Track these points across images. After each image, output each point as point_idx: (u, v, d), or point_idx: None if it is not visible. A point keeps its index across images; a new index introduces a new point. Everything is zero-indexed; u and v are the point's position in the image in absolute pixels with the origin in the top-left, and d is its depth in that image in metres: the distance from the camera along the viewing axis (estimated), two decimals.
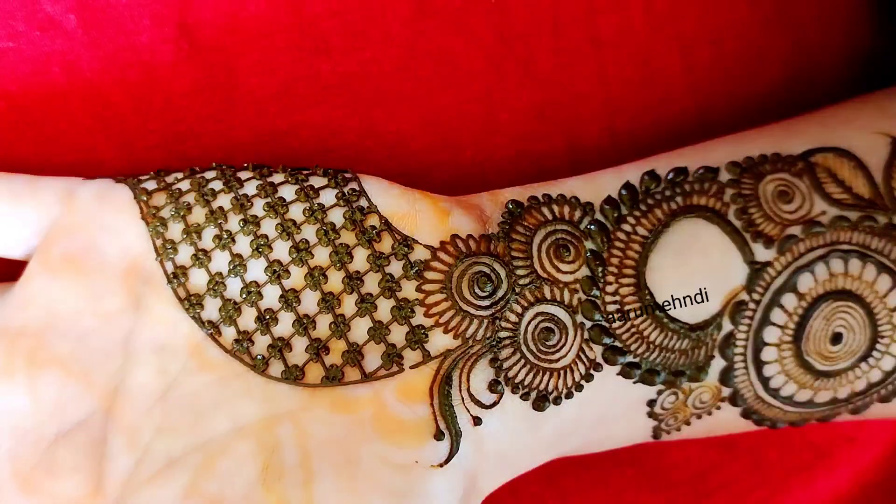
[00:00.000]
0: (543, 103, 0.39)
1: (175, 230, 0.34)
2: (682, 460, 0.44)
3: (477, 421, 0.33)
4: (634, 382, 0.34)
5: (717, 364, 0.34)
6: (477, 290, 0.33)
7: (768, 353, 0.34)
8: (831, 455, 0.45)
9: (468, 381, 0.33)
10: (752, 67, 0.41)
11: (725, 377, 0.35)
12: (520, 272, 0.33)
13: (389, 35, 0.37)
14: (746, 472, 0.45)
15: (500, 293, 0.33)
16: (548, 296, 0.33)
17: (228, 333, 0.33)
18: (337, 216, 0.34)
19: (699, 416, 0.36)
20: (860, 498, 0.46)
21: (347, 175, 0.35)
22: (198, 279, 0.34)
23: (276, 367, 0.33)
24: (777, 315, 0.34)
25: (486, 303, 0.33)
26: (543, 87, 0.39)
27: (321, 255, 0.33)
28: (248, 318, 0.33)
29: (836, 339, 0.35)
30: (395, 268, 0.33)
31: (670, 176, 0.35)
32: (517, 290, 0.33)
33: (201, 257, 0.34)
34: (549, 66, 0.39)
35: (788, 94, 0.41)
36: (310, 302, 0.33)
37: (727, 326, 0.34)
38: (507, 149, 0.39)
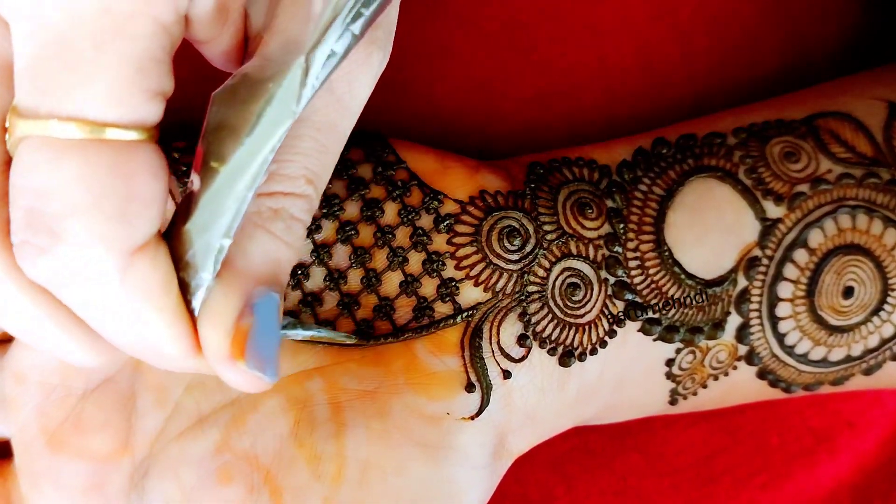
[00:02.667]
0: (544, 92, 0.40)
1: None
2: (686, 446, 0.44)
3: (507, 374, 0.33)
4: (654, 340, 0.35)
5: (734, 321, 0.35)
6: (506, 244, 0.34)
7: (783, 309, 0.35)
8: (832, 440, 0.46)
9: (498, 334, 0.34)
10: (748, 56, 0.42)
11: (741, 334, 0.35)
12: (547, 227, 0.34)
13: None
14: (749, 457, 0.45)
15: (528, 247, 0.34)
16: (574, 251, 0.34)
17: None
18: (366, 171, 0.35)
19: (716, 378, 0.36)
20: (861, 482, 0.47)
21: (374, 134, 0.36)
22: None
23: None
24: (790, 270, 0.35)
25: (515, 257, 0.34)
26: (544, 76, 0.40)
27: (352, 210, 0.34)
28: None
29: (848, 293, 0.36)
30: (426, 221, 0.34)
31: (680, 141, 0.36)
32: (545, 244, 0.34)
33: None
34: (550, 55, 0.40)
35: (785, 82, 0.42)
36: (341, 257, 0.34)
37: (742, 282, 0.35)
38: (508, 136, 0.40)
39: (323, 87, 0.26)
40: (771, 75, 0.43)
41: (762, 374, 0.37)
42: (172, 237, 0.26)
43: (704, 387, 0.37)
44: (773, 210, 0.35)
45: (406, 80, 0.38)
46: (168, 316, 0.26)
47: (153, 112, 0.25)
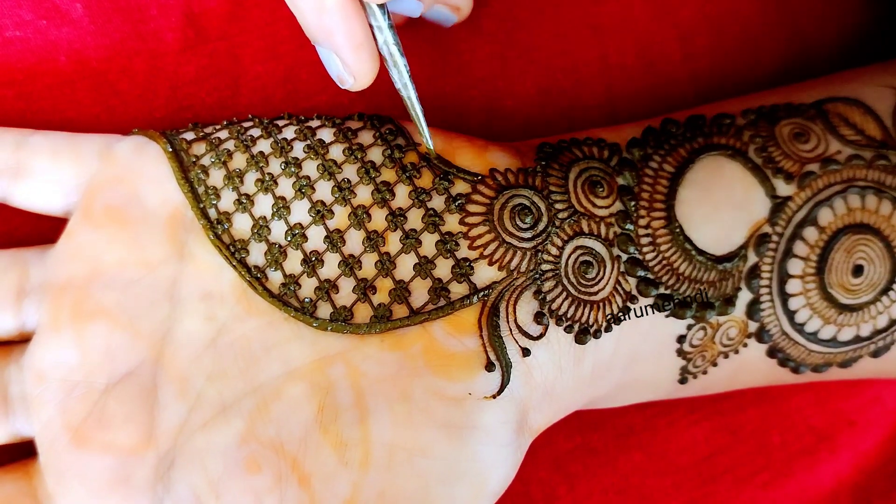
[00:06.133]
0: (546, 90, 0.40)
1: (216, 177, 0.34)
2: (688, 444, 0.44)
3: (526, 352, 0.33)
4: (667, 316, 0.35)
5: (744, 297, 0.35)
6: (518, 223, 0.34)
7: (793, 286, 0.35)
8: (833, 438, 0.46)
9: (515, 312, 0.33)
10: (750, 55, 0.42)
11: (752, 310, 0.35)
12: (558, 206, 0.34)
13: (393, 23, 0.39)
14: (750, 457, 0.45)
15: (540, 225, 0.34)
16: (585, 229, 0.34)
17: (275, 278, 0.33)
18: (376, 155, 0.34)
19: (726, 356, 0.36)
20: (861, 480, 0.47)
21: (383, 117, 0.36)
22: (242, 224, 0.34)
23: (325, 309, 0.33)
24: (799, 247, 0.35)
25: (527, 234, 0.34)
26: (546, 74, 0.40)
27: (363, 194, 0.34)
28: (293, 262, 0.34)
29: (858, 271, 0.36)
30: (437, 202, 0.34)
31: (689, 121, 0.37)
32: (557, 223, 0.34)
33: (244, 202, 0.34)
34: (552, 53, 0.40)
35: (785, 82, 0.43)
36: (354, 242, 0.34)
37: (752, 258, 0.35)
38: (511, 134, 0.40)
39: None
40: (771, 75, 0.43)
41: (772, 353, 0.36)
42: None
43: (715, 364, 0.37)
44: (784, 188, 0.35)
45: None
46: None
47: None
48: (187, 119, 0.37)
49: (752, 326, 0.36)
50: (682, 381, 0.37)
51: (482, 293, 0.33)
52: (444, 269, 0.33)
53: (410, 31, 0.39)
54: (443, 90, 0.39)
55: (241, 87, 0.38)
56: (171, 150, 0.35)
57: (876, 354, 0.37)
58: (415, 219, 0.34)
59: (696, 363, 0.36)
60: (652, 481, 0.44)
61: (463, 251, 0.33)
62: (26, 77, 0.37)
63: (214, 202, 0.34)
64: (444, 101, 0.39)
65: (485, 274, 0.33)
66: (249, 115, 0.36)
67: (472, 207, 0.34)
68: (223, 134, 0.35)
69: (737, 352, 0.36)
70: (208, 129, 0.36)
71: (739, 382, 0.38)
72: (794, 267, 0.35)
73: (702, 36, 0.41)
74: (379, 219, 0.34)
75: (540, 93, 0.40)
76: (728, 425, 0.45)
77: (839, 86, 0.39)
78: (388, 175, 0.34)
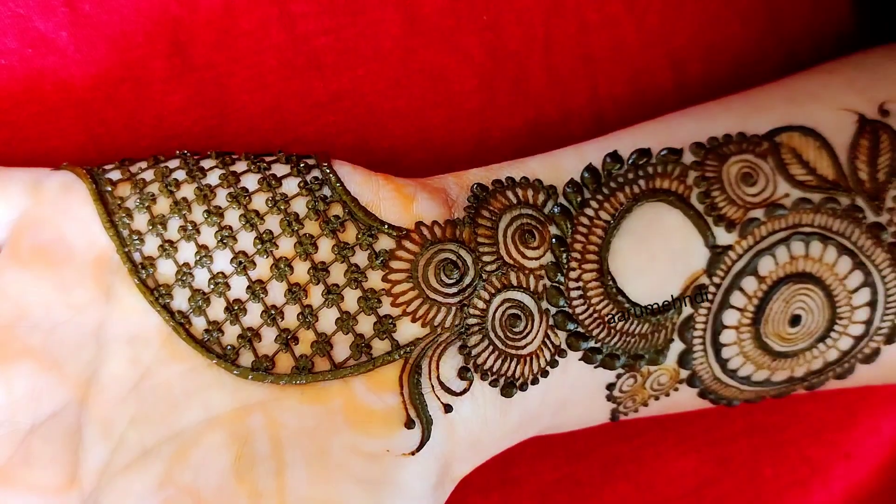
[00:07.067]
0: (535, 120, 0.39)
1: (141, 221, 0.34)
2: (676, 476, 0.45)
3: (448, 408, 0.33)
4: (595, 367, 0.35)
5: (676, 347, 0.35)
6: (444, 278, 0.33)
7: (727, 336, 0.35)
8: (826, 471, 0.46)
9: (437, 368, 0.33)
10: (744, 83, 0.40)
11: (684, 360, 0.35)
12: (486, 258, 0.34)
13: (381, 53, 0.37)
14: (741, 488, 0.45)
15: (467, 280, 0.34)
16: (514, 282, 0.34)
17: (199, 323, 0.33)
18: (300, 206, 0.34)
19: (657, 398, 0.36)
20: None
21: (310, 161, 0.35)
22: (166, 269, 0.34)
23: (247, 358, 0.33)
24: (737, 298, 0.35)
25: (453, 290, 0.33)
26: (535, 105, 0.39)
27: (286, 246, 0.34)
28: (217, 308, 0.34)
29: (795, 320, 0.35)
30: (361, 258, 0.33)
31: (633, 158, 0.35)
32: (484, 276, 0.34)
33: (167, 248, 0.34)
34: (541, 84, 0.39)
35: None
36: (277, 293, 0.33)
37: (687, 310, 0.35)
38: None
39: None
40: None
41: (703, 395, 0.36)
42: None
43: (645, 405, 0.37)
44: (724, 237, 0.35)
45: (397, 109, 0.38)
46: None
47: None
48: (174, 147, 0.37)
49: (684, 374, 0.36)
50: (614, 419, 0.37)
51: (404, 350, 0.33)
52: (366, 325, 0.33)
53: (398, 61, 0.38)
54: (430, 122, 0.38)
55: (228, 116, 0.37)
56: (97, 191, 0.34)
57: (809, 388, 0.37)
58: (337, 273, 0.33)
59: (626, 405, 0.36)
60: None
61: (386, 308, 0.33)
62: (11, 105, 0.36)
63: (139, 246, 0.34)
64: (432, 133, 0.38)
65: (408, 330, 0.33)
66: (177, 152, 0.36)
67: (395, 264, 0.33)
68: (148, 175, 0.35)
69: (668, 395, 0.36)
70: (134, 169, 0.35)
71: (673, 412, 0.39)
72: (730, 318, 0.35)
73: (694, 64, 0.40)
74: (301, 271, 0.33)
75: (528, 124, 0.39)
76: (718, 456, 0.45)
77: (798, 106, 0.37)
78: (312, 228, 0.34)
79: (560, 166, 0.36)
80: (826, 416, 0.46)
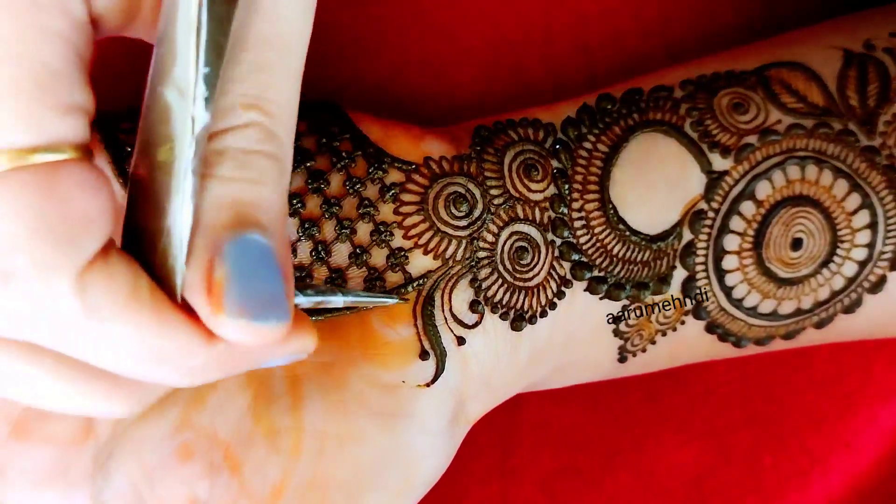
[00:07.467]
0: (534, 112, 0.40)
1: None
2: (676, 465, 0.45)
3: (461, 341, 0.34)
4: (601, 298, 0.35)
5: (679, 275, 0.36)
6: (453, 211, 0.34)
7: (729, 262, 0.36)
8: (826, 461, 0.46)
9: (450, 301, 0.34)
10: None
11: (688, 287, 0.36)
12: (494, 192, 0.34)
13: (382, 43, 0.38)
14: (741, 478, 0.46)
15: (476, 213, 0.34)
16: (521, 215, 0.34)
17: None
18: (310, 143, 0.34)
19: (664, 333, 0.37)
20: (855, 502, 0.47)
21: (322, 103, 0.35)
22: None
23: None
24: (736, 222, 0.35)
25: (463, 223, 0.34)
26: (535, 97, 0.39)
27: (297, 182, 0.34)
28: None
29: (797, 244, 0.36)
30: (372, 191, 0.34)
31: (625, 96, 0.36)
32: (492, 209, 0.34)
33: None
34: (540, 74, 0.40)
35: None
36: (290, 230, 0.34)
37: (687, 236, 0.35)
38: None
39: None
40: None
41: (710, 329, 0.37)
42: (139, 233, 0.25)
43: (653, 343, 0.37)
44: (720, 162, 0.35)
45: (395, 98, 0.39)
46: (146, 317, 0.24)
47: (72, 128, 0.24)
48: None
49: (689, 304, 0.36)
50: (622, 359, 0.37)
51: (417, 282, 0.34)
52: (379, 257, 0.34)
53: (395, 49, 0.38)
54: (430, 115, 0.39)
55: None
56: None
57: (819, 326, 0.38)
58: (349, 208, 0.34)
59: (633, 342, 0.36)
60: (639, 502, 0.45)
61: (398, 240, 0.34)
62: None
63: None
64: (431, 123, 0.38)
65: (420, 263, 0.34)
66: None
67: (406, 196, 0.34)
68: None
69: (675, 329, 0.37)
70: None
71: (681, 359, 0.39)
72: (731, 243, 0.35)
73: (690, 54, 0.40)
74: (314, 207, 0.34)
75: (528, 113, 0.40)
76: (718, 446, 0.45)
77: (785, 48, 0.38)
78: (322, 163, 0.34)
79: (558, 110, 0.37)
80: (826, 407, 0.46)
